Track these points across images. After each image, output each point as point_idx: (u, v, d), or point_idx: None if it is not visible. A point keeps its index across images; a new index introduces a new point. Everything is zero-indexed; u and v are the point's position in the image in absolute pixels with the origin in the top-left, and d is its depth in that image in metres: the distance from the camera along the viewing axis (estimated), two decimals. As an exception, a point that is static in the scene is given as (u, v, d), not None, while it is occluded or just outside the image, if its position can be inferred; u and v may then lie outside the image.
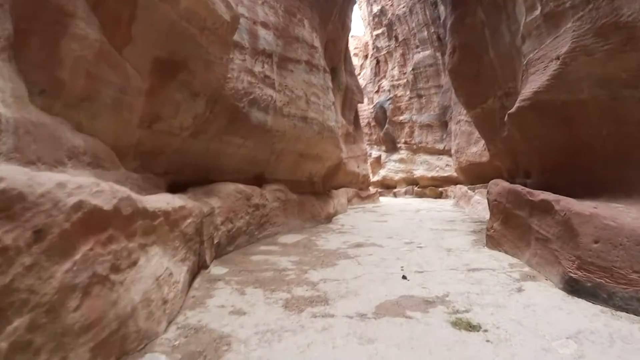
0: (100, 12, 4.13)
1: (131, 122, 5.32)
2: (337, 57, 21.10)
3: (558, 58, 6.40)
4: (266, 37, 9.24)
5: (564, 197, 5.55)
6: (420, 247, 8.02)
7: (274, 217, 9.60)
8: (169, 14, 4.99)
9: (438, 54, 31.33)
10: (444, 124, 30.57)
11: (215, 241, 6.99)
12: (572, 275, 4.65)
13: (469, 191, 17.91)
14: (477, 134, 17.24)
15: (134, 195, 3.57)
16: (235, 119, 8.24)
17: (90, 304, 2.61)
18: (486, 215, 14.17)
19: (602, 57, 5.77)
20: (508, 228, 7.21)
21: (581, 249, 4.63)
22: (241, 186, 8.36)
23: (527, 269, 5.98)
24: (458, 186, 20.88)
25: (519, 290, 4.87)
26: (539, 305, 4.25)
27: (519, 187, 7.07)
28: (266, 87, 9.05)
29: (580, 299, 4.40)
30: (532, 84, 7.32)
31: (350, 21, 22.51)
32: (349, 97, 23.50)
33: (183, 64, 5.82)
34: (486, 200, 15.59)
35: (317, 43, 11.87)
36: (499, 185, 8.13)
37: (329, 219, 12.53)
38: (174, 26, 5.19)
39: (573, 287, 4.59)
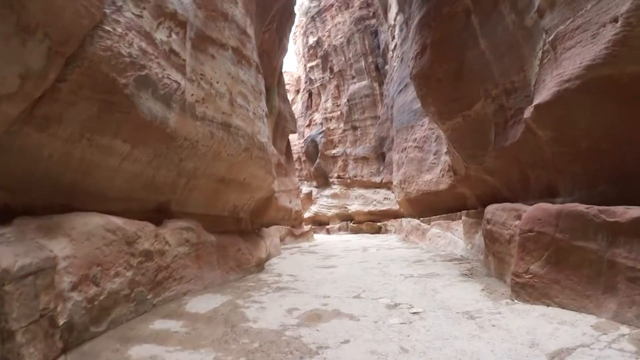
0: None
1: None
2: (271, 77, 18.27)
3: (616, 20, 4.39)
4: (180, -2, 6.03)
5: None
6: (416, 312, 4.98)
7: (181, 270, 6.18)
8: None
9: (375, 84, 29.42)
10: (380, 156, 28.29)
11: (63, 321, 3.77)
12: None
13: (421, 224, 15.15)
14: (430, 160, 14.69)
15: None
16: (111, 105, 4.90)
17: None
18: (454, 250, 11.53)
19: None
20: (563, 270, 4.86)
21: None
22: (116, 221, 4.94)
23: (628, 329, 3.87)
24: (405, 219, 18.15)
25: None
26: None
27: (580, 207, 4.76)
28: (171, 67, 5.77)
29: None
30: (575, 60, 5.00)
31: (287, 42, 20.15)
32: (282, 124, 20.56)
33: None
34: (448, 234, 13.03)
35: (250, 32, 8.76)
36: (536, 208, 5.57)
37: (260, 265, 9.17)
38: None
39: None
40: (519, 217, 6.10)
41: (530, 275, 5.17)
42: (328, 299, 5.85)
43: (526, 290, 5.17)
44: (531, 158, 7.01)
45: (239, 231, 9.47)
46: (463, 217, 11.43)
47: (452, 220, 12.87)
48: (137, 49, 5.02)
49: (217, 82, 7.00)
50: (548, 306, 4.82)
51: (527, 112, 6.12)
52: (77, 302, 3.97)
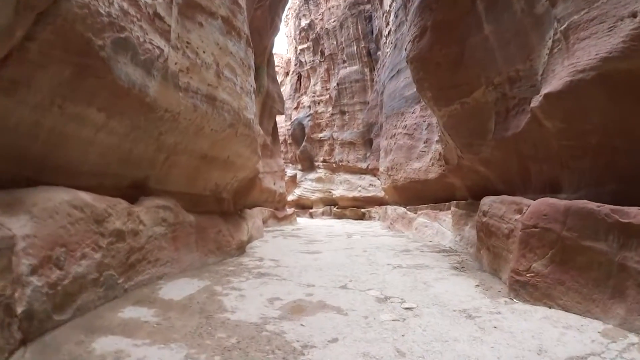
0: None
1: None
2: (261, 55, 17.68)
3: (634, 15, 4.19)
4: (164, -42, 5.49)
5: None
6: (410, 308, 4.63)
7: (156, 252, 5.72)
8: None
9: (366, 70, 28.83)
10: (368, 142, 27.87)
11: (21, 309, 3.34)
12: None
13: (408, 213, 14.82)
14: (420, 147, 14.31)
15: None
16: (85, 68, 4.37)
17: None
18: (442, 241, 11.16)
19: None
20: (569, 270, 4.54)
21: None
22: (84, 197, 4.44)
23: (637, 338, 3.56)
24: (391, 207, 17.80)
25: None
26: None
27: (590, 205, 4.43)
28: (154, 32, 5.24)
29: None
30: (589, 51, 4.70)
31: (280, 22, 19.62)
32: (269, 104, 19.99)
33: None
34: (435, 225, 12.72)
35: (242, 3, 8.16)
36: (541, 203, 5.20)
37: (241, 248, 8.75)
38: None
39: None
40: (519, 211, 5.76)
41: (532, 274, 4.83)
42: (313, 289, 5.45)
43: (527, 290, 4.83)
44: (534, 150, 6.65)
45: (220, 212, 8.99)
46: (452, 208, 11.11)
47: (440, 210, 12.55)
48: (117, 8, 4.47)
49: (204, 52, 6.44)
50: (550, 308, 4.49)
51: (535, 101, 5.74)
52: (38, 287, 3.49)
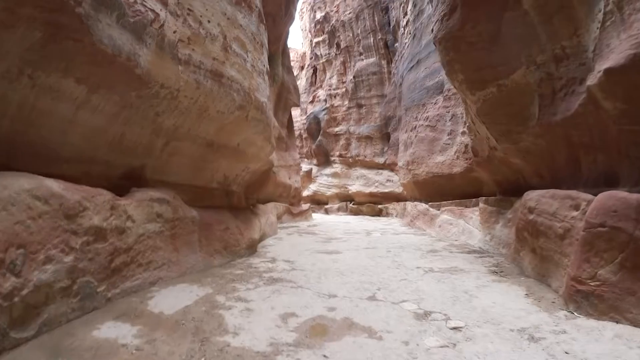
0: None
1: None
2: (275, 43, 16.74)
3: None
4: None
5: None
6: (458, 328, 3.66)
7: (149, 253, 4.82)
8: None
9: (383, 62, 27.67)
10: (385, 136, 26.76)
11: None
12: None
13: (430, 209, 13.79)
14: (444, 140, 13.26)
15: None
16: (59, 29, 3.53)
17: None
18: (469, 240, 10.12)
19: None
20: None
21: None
22: (51, 185, 3.53)
23: None
24: (411, 203, 16.76)
25: None
26: None
27: None
28: (146, -8, 4.32)
29: None
30: None
31: (295, 10, 18.61)
32: (284, 95, 19.05)
33: None
34: (461, 222, 11.69)
35: (251, -29, 7.21)
36: (608, 197, 4.25)
37: (252, 248, 7.84)
38: None
39: None
40: (576, 207, 4.76)
41: (597, 282, 3.85)
42: (335, 300, 4.49)
43: (590, 301, 3.85)
44: (588, 137, 5.61)
45: (229, 207, 8.10)
46: (480, 205, 10.08)
47: (466, 207, 11.53)
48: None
49: (209, 22, 5.51)
50: (617, 323, 3.56)
51: (592, 79, 4.73)
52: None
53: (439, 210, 13.04)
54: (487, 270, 6.44)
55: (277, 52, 17.27)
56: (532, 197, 6.01)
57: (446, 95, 13.80)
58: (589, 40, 4.97)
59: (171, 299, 4.27)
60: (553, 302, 4.37)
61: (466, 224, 10.90)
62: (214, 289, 4.82)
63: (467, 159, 11.98)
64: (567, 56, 5.52)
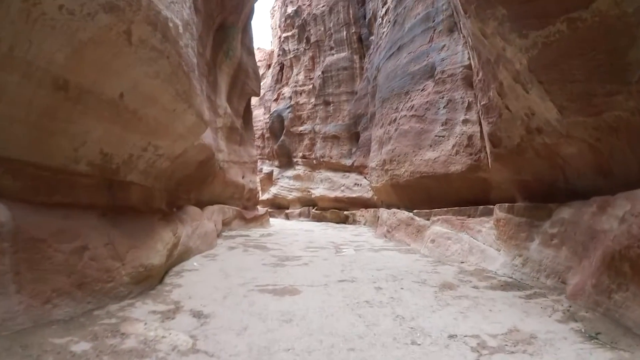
0: None
1: None
2: (234, 13, 13.31)
3: None
4: None
5: None
6: None
7: None
8: None
9: (355, 57, 24.31)
10: (354, 136, 23.36)
11: None
12: None
13: (415, 218, 10.45)
14: (436, 132, 10.03)
15: None
16: None
17: None
18: (484, 263, 5.91)
19: None
20: None
21: None
22: None
23: None
24: (387, 210, 13.32)
25: None
26: None
27: None
28: None
29: None
30: None
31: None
32: (241, 79, 15.56)
33: None
34: (464, 237, 7.87)
35: None
36: None
37: (147, 280, 4.26)
38: None
39: None
40: None
41: None
42: None
43: None
44: None
45: (112, 208, 4.46)
46: (499, 213, 6.87)
47: (469, 216, 8.28)
48: None
49: None
50: None
51: None
52: None
53: (428, 220, 9.72)
54: (572, 331, 3.21)
55: (237, 24, 13.83)
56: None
57: (439, 78, 10.60)
58: None
59: None
60: None
61: (473, 240, 7.66)
62: None
63: (470, 154, 8.76)
64: None
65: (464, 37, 9.78)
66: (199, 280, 5.05)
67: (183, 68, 4.32)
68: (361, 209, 21.02)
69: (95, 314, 3.47)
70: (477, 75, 7.65)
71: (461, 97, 9.56)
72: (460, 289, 4.97)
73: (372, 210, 18.69)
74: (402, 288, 4.93)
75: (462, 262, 7.23)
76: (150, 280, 4.33)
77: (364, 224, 19.46)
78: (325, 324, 3.45)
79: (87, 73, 3.49)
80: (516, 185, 7.18)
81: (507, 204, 6.80)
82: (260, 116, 34.11)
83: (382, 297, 4.45)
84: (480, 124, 8.66)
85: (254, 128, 26.96)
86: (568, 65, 4.32)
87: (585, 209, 4.75)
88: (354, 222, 21.19)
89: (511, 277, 5.69)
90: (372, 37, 22.02)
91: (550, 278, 5.13)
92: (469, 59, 9.64)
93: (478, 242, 7.50)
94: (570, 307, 4.05)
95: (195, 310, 3.72)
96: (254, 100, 32.16)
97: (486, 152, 8.28)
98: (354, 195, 21.97)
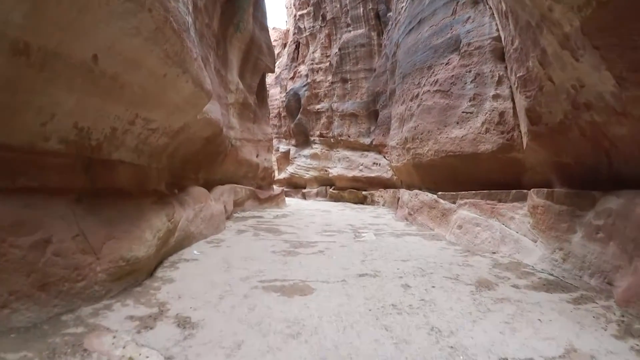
0: None
1: None
2: (240, -19, 12.43)
3: None
4: None
5: None
6: None
7: None
8: None
9: (373, 34, 23.10)
10: (372, 114, 22.37)
11: None
12: None
13: (440, 201, 9.64)
14: (463, 107, 9.15)
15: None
16: None
17: None
18: (519, 255, 4.63)
19: None
20: None
21: None
22: None
23: None
24: (408, 191, 12.52)
25: None
26: None
27: None
28: None
29: None
30: None
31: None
32: (254, 54, 14.73)
33: None
34: (495, 224, 6.56)
35: None
36: None
37: (129, 276, 3.63)
38: None
39: None
40: None
41: None
42: None
43: None
44: None
45: (90, 191, 3.79)
46: (535, 199, 6.05)
47: (499, 201, 7.47)
48: None
49: None
50: None
51: None
52: None
53: (454, 203, 8.92)
54: (633, 352, 2.52)
55: (247, -4, 12.95)
56: None
57: (465, 51, 9.65)
58: None
59: None
60: None
61: (504, 228, 6.86)
62: None
63: (502, 133, 7.89)
64: None
65: (490, 8, 8.86)
66: (196, 273, 4.40)
67: (172, 25, 3.58)
68: (380, 189, 20.21)
69: (63, 319, 2.85)
70: (512, 44, 6.73)
71: (490, 71, 8.63)
72: (499, 288, 4.22)
73: (392, 190, 17.87)
74: (433, 286, 4.20)
75: (494, 253, 6.46)
76: (134, 275, 3.70)
77: (383, 205, 18.67)
78: (342, 342, 2.76)
79: (50, 33, 2.80)
80: (554, 168, 6.34)
81: (546, 190, 5.96)
82: (276, 95, 33.26)
83: (412, 300, 3.73)
84: (513, 100, 7.77)
85: (270, 107, 26.17)
86: (628, 30, 3.46)
87: (639, 200, 3.95)
88: (373, 202, 20.42)
89: (552, 275, 4.92)
90: (390, 14, 20.85)
91: (595, 277, 4.36)
92: (497, 30, 8.72)
93: (511, 230, 6.71)
94: (623, 316, 3.31)
95: (182, 316, 3.07)
96: (270, 79, 31.26)
97: (520, 131, 7.42)
98: (372, 174, 21.13)
